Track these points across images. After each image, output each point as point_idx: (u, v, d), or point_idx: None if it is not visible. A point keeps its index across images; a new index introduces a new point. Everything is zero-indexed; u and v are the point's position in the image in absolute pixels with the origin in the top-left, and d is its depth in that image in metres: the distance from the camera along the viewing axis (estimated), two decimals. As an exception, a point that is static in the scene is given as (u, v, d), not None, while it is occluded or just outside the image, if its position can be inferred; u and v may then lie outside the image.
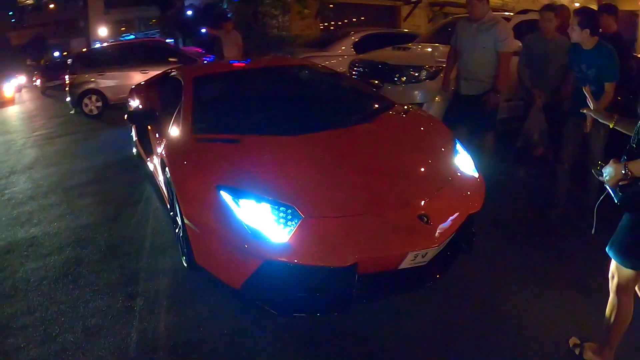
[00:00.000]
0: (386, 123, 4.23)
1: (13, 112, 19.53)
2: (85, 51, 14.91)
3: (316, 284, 2.89)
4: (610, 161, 2.28)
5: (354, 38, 10.91)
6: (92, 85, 12.11)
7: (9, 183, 7.33)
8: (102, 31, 34.62)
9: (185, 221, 3.25)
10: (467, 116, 5.40)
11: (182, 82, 4.78)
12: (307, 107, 4.63)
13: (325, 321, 3.17)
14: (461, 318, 3.21)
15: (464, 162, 3.80)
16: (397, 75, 6.70)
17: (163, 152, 3.88)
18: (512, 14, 7.95)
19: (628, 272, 2.46)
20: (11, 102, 23.58)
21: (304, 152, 3.56)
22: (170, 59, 12.38)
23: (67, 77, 12.62)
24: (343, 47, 10.74)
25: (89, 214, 5.42)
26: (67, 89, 12.78)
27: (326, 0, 17.05)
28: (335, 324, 3.14)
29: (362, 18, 23.22)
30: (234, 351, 2.97)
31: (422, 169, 3.59)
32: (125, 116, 5.60)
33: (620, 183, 2.25)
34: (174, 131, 4.16)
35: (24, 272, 4.29)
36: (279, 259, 2.78)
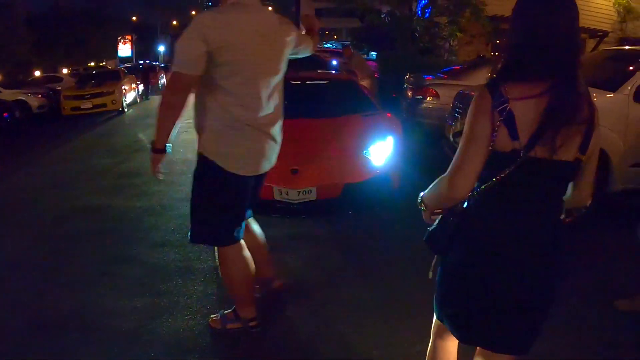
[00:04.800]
0: (346, 119, 5.50)
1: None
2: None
3: None
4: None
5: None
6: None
7: (130, 159, 8.58)
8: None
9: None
10: None
11: None
12: (306, 104, 5.91)
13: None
14: None
15: (379, 151, 4.92)
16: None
17: None
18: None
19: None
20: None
21: None
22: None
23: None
24: (481, 78, 10.10)
25: (150, 199, 6.16)
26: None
27: (496, 25, 16.20)
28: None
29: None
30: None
31: (327, 147, 4.91)
32: None
33: (432, 217, 1.85)
34: None
35: (70, 228, 5.27)
36: None
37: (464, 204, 1.73)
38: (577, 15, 1.61)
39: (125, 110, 15.96)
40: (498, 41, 15.66)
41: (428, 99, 9.47)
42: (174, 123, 2.66)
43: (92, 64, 39.73)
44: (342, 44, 31.94)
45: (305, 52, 3.20)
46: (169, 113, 2.64)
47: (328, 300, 3.60)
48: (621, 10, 19.78)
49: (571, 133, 1.55)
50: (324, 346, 3.08)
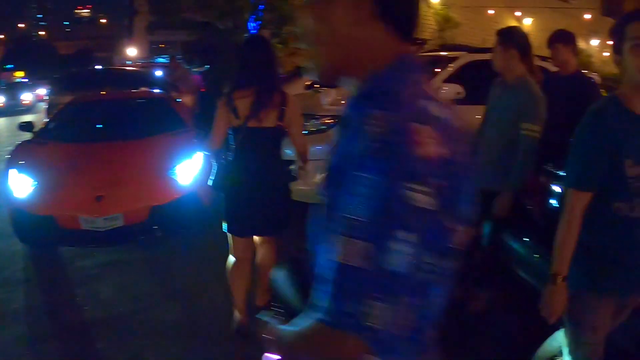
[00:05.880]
0: (153, 140, 5.57)
1: (20, 120, 20.21)
2: (65, 74, 15.17)
3: (37, 226, 4.61)
4: None
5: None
6: (65, 107, 12.41)
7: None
8: (132, 51, 35.75)
9: None
10: None
11: None
12: (110, 126, 6.00)
13: None
14: None
15: (186, 170, 4.99)
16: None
17: None
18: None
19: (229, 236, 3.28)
20: (28, 110, 24.60)
21: (76, 152, 5.22)
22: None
23: (45, 96, 13.05)
24: (298, 87, 9.78)
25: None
26: (44, 107, 13.18)
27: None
28: None
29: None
30: None
31: (132, 171, 4.94)
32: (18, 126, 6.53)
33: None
34: None
35: None
36: (18, 206, 4.72)
37: (228, 159, 3.11)
38: (270, 51, 3.12)
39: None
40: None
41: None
42: None
43: None
44: (177, 58, 31.22)
45: None
46: None
47: (137, 328, 3.65)
48: (440, 20, 21.83)
49: (269, 112, 2.97)
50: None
